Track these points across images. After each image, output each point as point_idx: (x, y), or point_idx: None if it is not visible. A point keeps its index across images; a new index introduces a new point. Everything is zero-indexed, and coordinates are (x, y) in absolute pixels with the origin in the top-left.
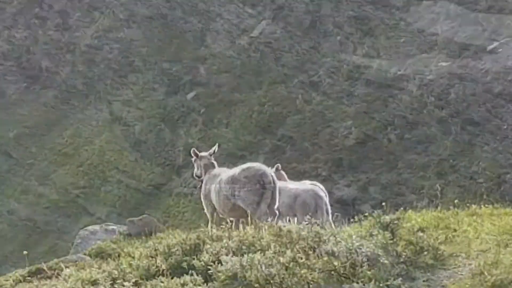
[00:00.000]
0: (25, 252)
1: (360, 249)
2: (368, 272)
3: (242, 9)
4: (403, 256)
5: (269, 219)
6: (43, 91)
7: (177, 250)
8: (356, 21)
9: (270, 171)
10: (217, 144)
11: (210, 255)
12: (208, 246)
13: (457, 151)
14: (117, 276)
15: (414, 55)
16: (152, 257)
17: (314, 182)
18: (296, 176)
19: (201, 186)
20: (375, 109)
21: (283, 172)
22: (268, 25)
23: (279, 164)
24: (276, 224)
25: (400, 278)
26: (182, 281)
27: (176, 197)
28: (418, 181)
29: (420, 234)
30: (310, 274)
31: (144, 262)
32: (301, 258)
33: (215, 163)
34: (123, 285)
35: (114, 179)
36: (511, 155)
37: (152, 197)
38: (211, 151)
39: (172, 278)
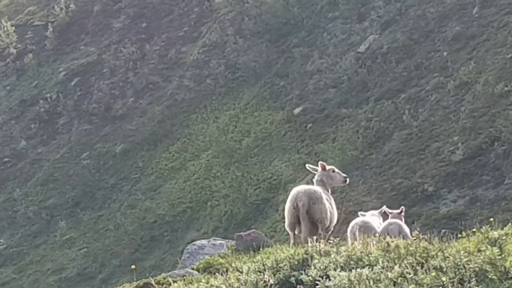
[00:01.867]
0: (133, 266)
1: (468, 264)
2: None
3: (350, 24)
4: None
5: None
6: (150, 106)
7: (285, 265)
8: (463, 37)
9: (309, 193)
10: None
11: (318, 270)
12: (316, 261)
13: None
14: None
15: None
16: (260, 272)
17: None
18: (402, 192)
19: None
20: (482, 124)
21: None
22: (375, 40)
23: (403, 207)
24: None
25: None
26: None
27: (282, 212)
28: None
29: None
30: None
31: (252, 277)
32: (409, 274)
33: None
34: None
35: (221, 193)
36: None
37: (258, 212)
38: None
39: None
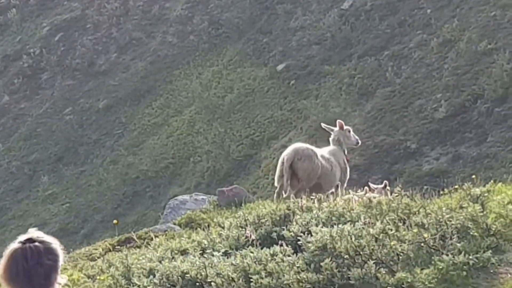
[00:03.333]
0: (115, 221)
1: (450, 221)
2: (458, 245)
3: None
4: (493, 229)
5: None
6: (133, 61)
7: (267, 220)
8: None
9: (297, 150)
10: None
11: (300, 226)
12: (298, 216)
13: None
14: (206, 245)
15: (504, 28)
16: (242, 227)
17: None
18: (385, 149)
19: None
20: (465, 82)
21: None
22: None
23: (386, 182)
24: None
25: (490, 251)
26: (271, 251)
27: (265, 169)
28: (508, 155)
29: (510, 207)
30: (400, 245)
31: (234, 232)
32: (391, 230)
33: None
34: (213, 255)
35: (203, 149)
36: None
37: (241, 168)
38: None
39: (261, 248)
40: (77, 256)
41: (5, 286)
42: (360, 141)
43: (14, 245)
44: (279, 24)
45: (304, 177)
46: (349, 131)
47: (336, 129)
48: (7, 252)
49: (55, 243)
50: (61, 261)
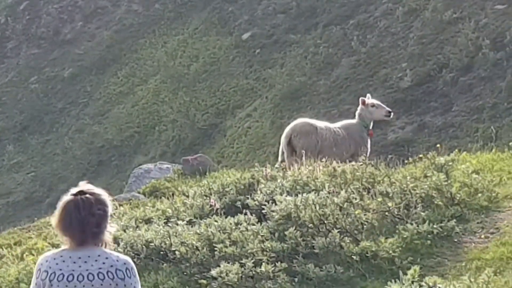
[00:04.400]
0: None
1: (415, 190)
2: (422, 214)
3: None
4: (458, 198)
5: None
6: (98, 30)
7: (231, 189)
8: None
9: (296, 126)
10: None
11: (264, 195)
12: (262, 185)
13: None
14: (171, 214)
15: None
16: (206, 196)
17: None
18: (351, 118)
19: None
20: (431, 51)
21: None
22: None
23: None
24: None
25: (454, 220)
26: (236, 220)
27: (230, 138)
28: (473, 124)
29: (475, 176)
30: (364, 214)
31: (198, 201)
32: (355, 199)
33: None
34: (177, 224)
35: (169, 118)
36: None
37: (206, 137)
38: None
39: (226, 217)
40: (42, 225)
41: (60, 235)
42: (392, 113)
43: (67, 197)
44: None
45: (301, 154)
46: (373, 105)
47: (360, 105)
48: (61, 204)
49: (104, 194)
50: (110, 211)
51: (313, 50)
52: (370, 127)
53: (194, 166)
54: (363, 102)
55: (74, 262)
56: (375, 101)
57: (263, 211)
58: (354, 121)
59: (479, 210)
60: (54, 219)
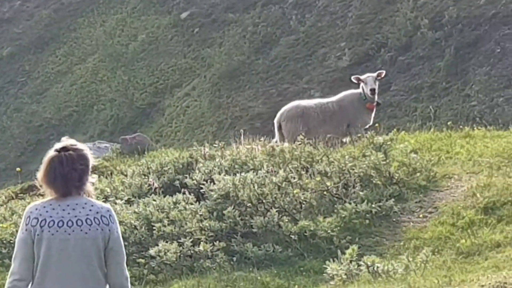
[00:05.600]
0: (18, 169)
1: (353, 169)
2: (361, 193)
3: None
4: (396, 177)
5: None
6: (37, 9)
7: (170, 168)
8: None
9: (283, 111)
10: None
11: (203, 174)
12: (201, 164)
13: (450, 74)
14: (109, 193)
15: None
16: (144, 175)
17: None
18: (289, 97)
19: None
20: (369, 31)
21: None
22: None
23: None
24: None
25: (393, 199)
26: (174, 199)
27: (168, 117)
28: (411, 103)
29: (413, 155)
30: (303, 194)
31: (136, 180)
32: (294, 178)
33: None
34: (115, 203)
35: (107, 97)
36: (504, 78)
37: (144, 116)
38: None
39: (164, 196)
40: None
41: (45, 187)
42: (372, 91)
43: (51, 153)
44: None
45: (288, 138)
46: (366, 83)
47: None
48: (45, 159)
49: (86, 149)
50: (91, 164)
51: (251, 29)
52: (374, 101)
53: (133, 145)
54: (356, 79)
55: (63, 210)
56: (367, 77)
57: (201, 190)
58: (356, 91)
59: (417, 190)
60: (39, 173)
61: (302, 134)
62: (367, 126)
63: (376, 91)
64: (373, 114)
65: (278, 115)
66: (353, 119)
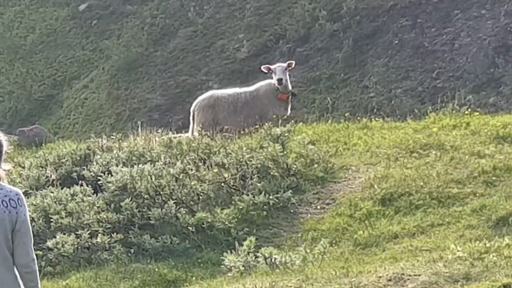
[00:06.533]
0: None
1: (250, 161)
2: (258, 184)
3: None
4: (294, 169)
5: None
6: None
7: (67, 160)
8: None
9: (196, 103)
10: None
11: (100, 166)
12: (99, 156)
13: (349, 65)
14: None
15: None
16: (42, 167)
17: None
18: (187, 89)
19: None
20: (267, 22)
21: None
22: None
23: None
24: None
25: (290, 191)
26: (72, 191)
27: (67, 109)
28: (309, 95)
29: (311, 147)
30: (200, 185)
31: (34, 172)
32: (191, 170)
33: None
34: None
35: (5, 90)
36: (402, 69)
37: (43, 108)
38: None
39: (62, 188)
40: None
41: None
42: (280, 81)
43: None
44: None
45: (199, 128)
46: (275, 73)
47: None
48: None
49: (0, 135)
50: (4, 150)
51: (150, 21)
52: (287, 92)
53: (30, 137)
54: (266, 68)
55: None
56: (277, 67)
57: (99, 182)
58: (271, 81)
59: (315, 181)
60: None
61: (212, 124)
62: (284, 117)
63: (287, 81)
64: (289, 105)
65: (193, 105)
66: (265, 110)
